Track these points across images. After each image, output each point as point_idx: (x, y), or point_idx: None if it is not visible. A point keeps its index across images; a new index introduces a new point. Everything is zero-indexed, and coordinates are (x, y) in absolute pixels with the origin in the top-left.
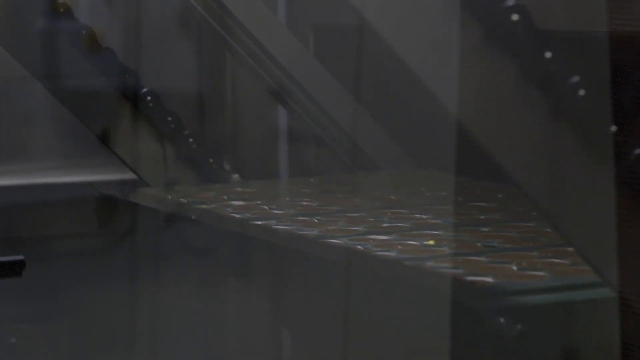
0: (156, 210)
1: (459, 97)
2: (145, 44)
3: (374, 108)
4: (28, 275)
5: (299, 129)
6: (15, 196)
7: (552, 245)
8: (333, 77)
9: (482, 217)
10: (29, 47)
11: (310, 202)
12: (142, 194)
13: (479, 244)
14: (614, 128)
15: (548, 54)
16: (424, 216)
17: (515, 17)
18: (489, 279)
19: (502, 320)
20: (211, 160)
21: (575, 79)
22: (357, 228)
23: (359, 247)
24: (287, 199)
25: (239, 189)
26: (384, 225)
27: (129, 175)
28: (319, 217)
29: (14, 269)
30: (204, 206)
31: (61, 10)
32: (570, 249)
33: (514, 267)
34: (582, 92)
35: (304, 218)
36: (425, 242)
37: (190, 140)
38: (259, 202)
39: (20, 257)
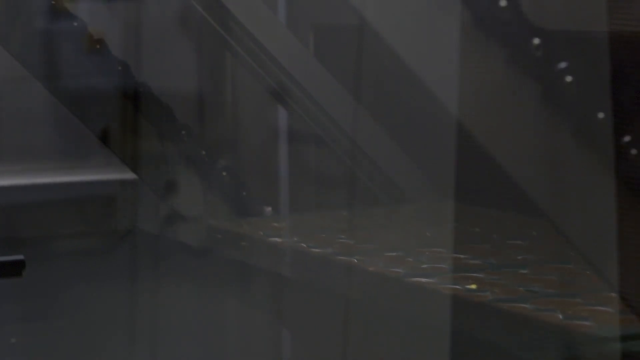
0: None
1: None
2: (144, 44)
3: (401, 139)
4: (28, 275)
5: (334, 167)
6: (15, 196)
7: (595, 291)
8: (366, 110)
9: (519, 257)
10: (29, 47)
11: (346, 239)
12: (189, 229)
13: (521, 289)
14: (614, 128)
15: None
16: (461, 255)
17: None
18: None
19: None
20: (245, 193)
21: (576, 77)
22: (397, 270)
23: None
24: (324, 235)
25: (275, 224)
26: (424, 266)
27: (129, 175)
28: (357, 257)
29: (14, 269)
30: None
31: (61, 10)
32: (613, 294)
33: (560, 316)
34: (582, 92)
35: (342, 258)
36: (468, 286)
37: (224, 174)
38: (295, 239)
39: (20, 257)
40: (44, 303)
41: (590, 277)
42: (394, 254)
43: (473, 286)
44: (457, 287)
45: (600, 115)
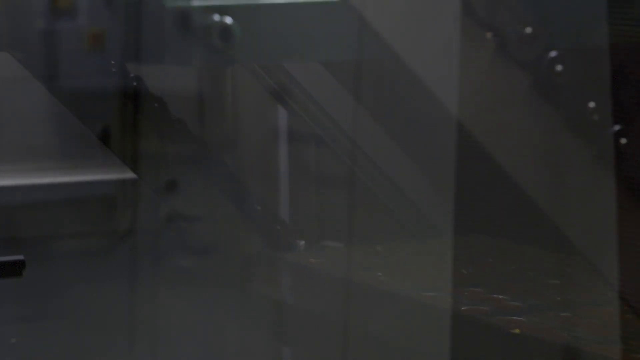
0: None
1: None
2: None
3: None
4: (28, 275)
5: (366, 199)
6: (15, 196)
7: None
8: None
9: (558, 298)
10: (29, 47)
11: (382, 276)
12: None
13: (565, 334)
14: (614, 128)
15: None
16: (501, 296)
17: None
18: None
19: None
20: (279, 227)
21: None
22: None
23: None
24: (361, 272)
25: (313, 260)
26: (463, 308)
27: (129, 175)
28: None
29: (14, 269)
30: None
31: (61, 9)
32: None
33: None
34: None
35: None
36: (512, 331)
37: (258, 207)
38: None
39: (20, 257)
40: (44, 303)
41: (633, 320)
42: (431, 294)
43: (517, 331)
44: (501, 332)
45: (601, 115)
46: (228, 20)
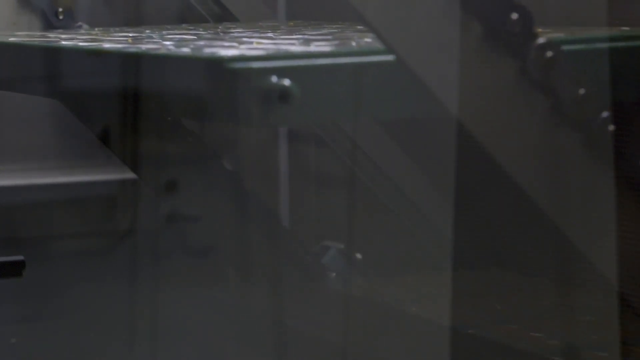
0: None
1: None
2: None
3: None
4: (28, 275)
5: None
6: (15, 196)
7: None
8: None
9: (594, 336)
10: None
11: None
12: None
13: None
14: (614, 128)
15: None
16: (537, 334)
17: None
18: None
19: None
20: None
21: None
22: None
23: None
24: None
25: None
26: None
27: (129, 175)
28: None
29: (14, 269)
30: None
31: (60, 9)
32: None
33: None
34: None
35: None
36: None
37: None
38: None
39: (20, 257)
40: (44, 303)
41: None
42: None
43: None
44: None
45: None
46: (286, 82)
